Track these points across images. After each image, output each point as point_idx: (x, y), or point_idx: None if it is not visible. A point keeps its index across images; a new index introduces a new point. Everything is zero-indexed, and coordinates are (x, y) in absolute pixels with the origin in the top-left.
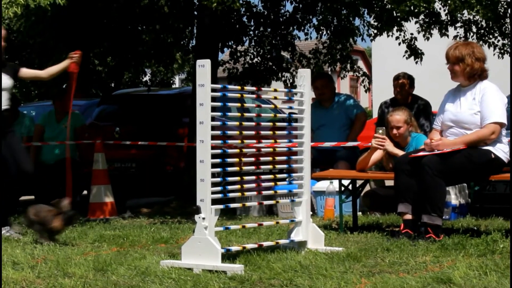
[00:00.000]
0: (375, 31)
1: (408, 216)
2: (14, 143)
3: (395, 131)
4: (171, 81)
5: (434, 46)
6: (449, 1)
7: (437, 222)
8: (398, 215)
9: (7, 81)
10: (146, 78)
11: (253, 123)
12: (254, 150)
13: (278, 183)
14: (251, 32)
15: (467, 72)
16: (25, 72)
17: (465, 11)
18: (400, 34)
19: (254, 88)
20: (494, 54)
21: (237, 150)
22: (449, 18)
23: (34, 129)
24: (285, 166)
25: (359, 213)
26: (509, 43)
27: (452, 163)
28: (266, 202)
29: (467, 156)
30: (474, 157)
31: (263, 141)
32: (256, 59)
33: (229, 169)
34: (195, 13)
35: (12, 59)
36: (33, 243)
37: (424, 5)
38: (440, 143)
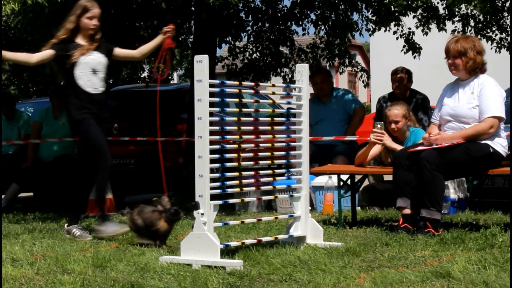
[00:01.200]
0: (373, 26)
1: (407, 211)
2: (105, 131)
3: (393, 125)
4: (169, 77)
5: (432, 41)
6: None
7: (436, 217)
8: (397, 209)
9: (102, 59)
10: (144, 74)
11: (252, 119)
12: (252, 145)
13: (277, 178)
14: (249, 28)
15: (470, 66)
16: (119, 51)
17: (462, 5)
18: (398, 29)
19: (252, 84)
20: (491, 48)
21: (235, 146)
22: (447, 12)
23: (32, 126)
24: (283, 161)
25: (358, 208)
26: (506, 37)
27: (450, 157)
28: (265, 198)
29: (466, 150)
30: (472, 151)
31: (261, 136)
32: (254, 55)
33: (228, 164)
34: (193, 8)
35: None
36: (32, 239)
37: None
38: (439, 137)
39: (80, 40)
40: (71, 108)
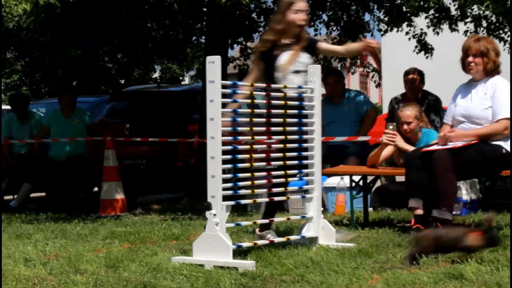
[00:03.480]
0: (385, 27)
1: (419, 212)
2: None
3: (405, 126)
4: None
5: (444, 41)
6: None
7: (447, 217)
8: (409, 210)
9: (306, 60)
10: (156, 74)
11: (264, 119)
12: (264, 146)
13: (289, 179)
14: (260, 28)
15: (490, 67)
16: (324, 46)
17: (475, 6)
18: (410, 29)
19: (264, 85)
20: (504, 49)
21: (247, 147)
22: (459, 13)
23: (39, 130)
24: (296, 162)
25: (370, 209)
26: None
27: (463, 158)
28: (277, 198)
29: (478, 151)
30: (485, 152)
31: (273, 137)
32: None
33: (240, 165)
34: (205, 9)
35: (22, 56)
36: (45, 239)
37: (434, 0)
38: (453, 135)
39: (286, 40)
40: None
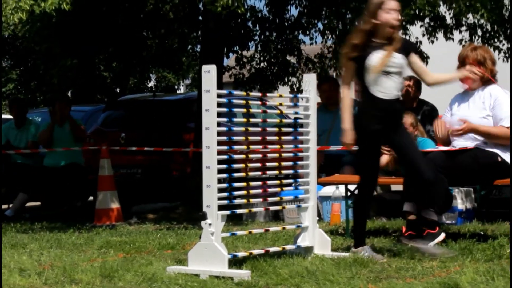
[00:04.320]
0: None
1: (412, 217)
2: (409, 142)
3: None
4: (176, 87)
5: (439, 50)
6: (454, 5)
7: (433, 217)
8: (403, 214)
9: (400, 60)
10: (151, 83)
11: (259, 129)
12: (260, 155)
13: (284, 188)
14: (256, 37)
15: (486, 76)
16: (416, 62)
17: (470, 15)
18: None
19: (259, 94)
20: (499, 58)
21: (243, 156)
22: (454, 22)
23: (40, 134)
24: (291, 171)
25: None
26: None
27: (457, 162)
28: (272, 208)
29: (473, 157)
30: (480, 158)
31: (269, 146)
32: (262, 64)
33: (235, 174)
34: (200, 18)
35: (17, 65)
36: (40, 249)
37: (429, 8)
38: (466, 125)
39: (377, 40)
40: (360, 116)
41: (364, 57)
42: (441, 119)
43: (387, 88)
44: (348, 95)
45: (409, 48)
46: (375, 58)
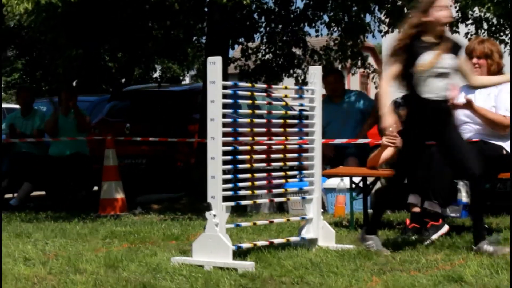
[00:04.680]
0: (386, 28)
1: (416, 209)
2: (456, 136)
3: None
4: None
5: None
6: None
7: (437, 209)
8: (407, 206)
9: (451, 61)
10: (156, 74)
11: (264, 120)
12: (265, 147)
13: (289, 180)
14: (262, 29)
15: (494, 69)
16: (462, 65)
17: (476, 8)
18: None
19: (265, 86)
20: (504, 51)
21: (248, 147)
22: (460, 15)
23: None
24: (296, 163)
25: (370, 211)
26: None
27: None
28: (277, 199)
29: (479, 149)
30: (485, 151)
31: (274, 138)
32: (267, 56)
33: (240, 166)
34: (206, 9)
35: (22, 55)
36: (44, 239)
37: None
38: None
39: (427, 39)
40: (409, 119)
41: (413, 57)
42: None
43: (436, 89)
44: (387, 84)
45: (459, 48)
46: (426, 58)
